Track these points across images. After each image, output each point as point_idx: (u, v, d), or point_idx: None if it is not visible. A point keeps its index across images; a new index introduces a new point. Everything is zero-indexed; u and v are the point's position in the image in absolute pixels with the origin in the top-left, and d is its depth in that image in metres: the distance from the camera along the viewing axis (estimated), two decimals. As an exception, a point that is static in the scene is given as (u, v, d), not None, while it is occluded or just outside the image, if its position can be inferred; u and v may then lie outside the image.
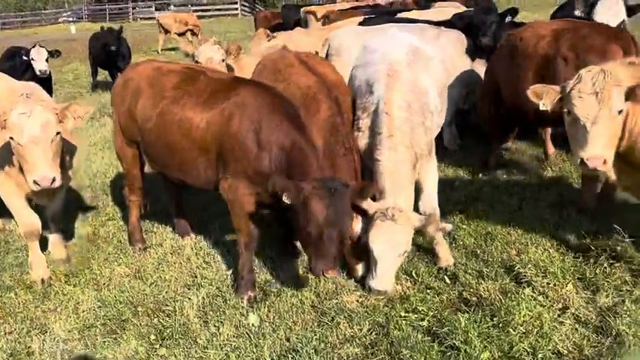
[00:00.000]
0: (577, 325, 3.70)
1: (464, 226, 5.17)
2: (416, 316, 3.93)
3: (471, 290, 4.15)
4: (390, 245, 4.01)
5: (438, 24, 7.52)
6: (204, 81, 4.54)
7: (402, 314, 3.95)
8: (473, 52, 7.15)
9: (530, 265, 4.29)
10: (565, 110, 3.78)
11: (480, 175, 6.42)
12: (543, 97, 3.87)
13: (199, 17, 35.77)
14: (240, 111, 4.22)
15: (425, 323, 3.85)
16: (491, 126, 6.60)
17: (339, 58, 7.15)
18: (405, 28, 6.89)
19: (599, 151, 3.56)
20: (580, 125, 3.64)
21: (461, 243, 4.89)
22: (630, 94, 3.57)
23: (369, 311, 4.04)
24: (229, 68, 6.81)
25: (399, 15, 9.19)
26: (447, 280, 4.37)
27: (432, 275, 4.46)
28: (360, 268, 4.38)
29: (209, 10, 40.15)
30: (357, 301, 4.22)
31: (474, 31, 6.99)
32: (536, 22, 6.02)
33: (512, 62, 5.76)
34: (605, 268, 4.18)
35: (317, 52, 7.67)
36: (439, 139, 7.32)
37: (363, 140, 4.40)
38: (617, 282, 4.05)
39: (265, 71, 5.20)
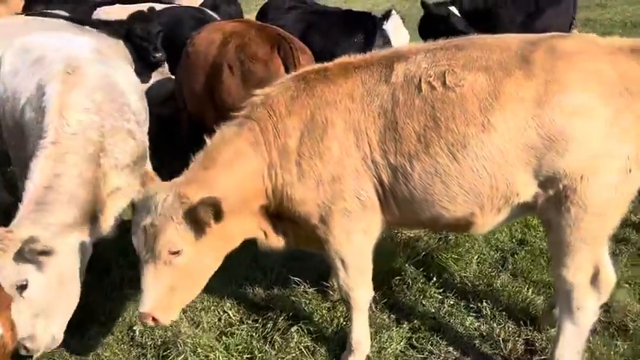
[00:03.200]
0: None
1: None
2: None
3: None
4: None
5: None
6: None
7: None
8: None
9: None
10: None
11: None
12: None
13: None
14: None
15: None
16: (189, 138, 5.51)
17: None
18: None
19: (147, 308, 2.67)
20: None
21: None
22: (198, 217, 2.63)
23: None
24: None
25: (101, 9, 7.36)
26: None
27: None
28: None
29: None
30: None
31: (138, 44, 5.50)
32: (212, 24, 5.13)
33: (188, 70, 4.77)
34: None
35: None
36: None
37: None
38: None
39: None
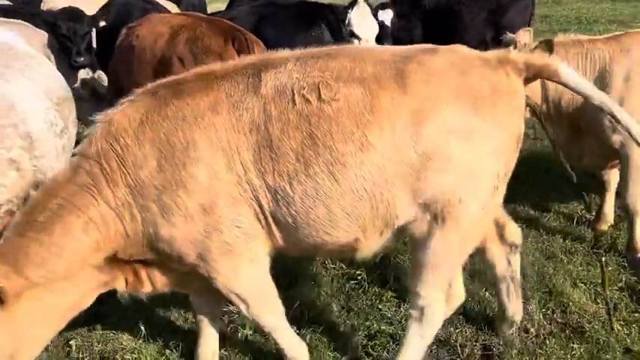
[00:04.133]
0: None
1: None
2: None
3: None
4: None
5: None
6: None
7: None
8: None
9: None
10: None
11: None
12: None
13: None
14: None
15: None
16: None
17: None
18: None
19: None
20: None
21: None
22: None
23: None
24: None
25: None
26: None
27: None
28: None
29: None
30: None
31: (62, 43, 5.04)
32: (154, 16, 4.82)
33: (131, 64, 4.48)
34: None
35: None
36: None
37: None
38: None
39: None
